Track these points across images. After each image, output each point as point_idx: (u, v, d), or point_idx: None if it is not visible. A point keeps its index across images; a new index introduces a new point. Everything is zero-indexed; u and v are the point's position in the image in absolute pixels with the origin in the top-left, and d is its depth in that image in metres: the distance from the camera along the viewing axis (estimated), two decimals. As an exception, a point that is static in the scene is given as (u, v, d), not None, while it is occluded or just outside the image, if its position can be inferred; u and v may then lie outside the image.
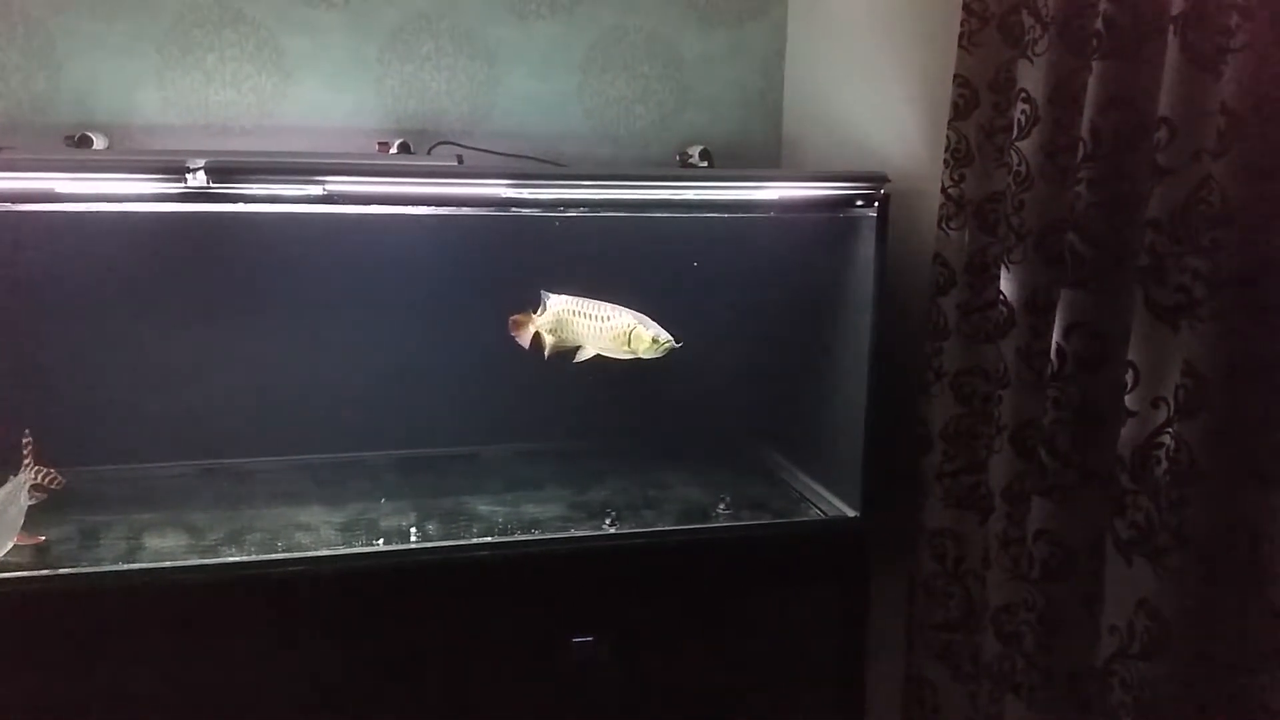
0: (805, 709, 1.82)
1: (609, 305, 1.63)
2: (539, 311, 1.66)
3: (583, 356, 1.65)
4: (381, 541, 1.62)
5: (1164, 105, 1.18)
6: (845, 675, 1.80)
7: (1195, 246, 1.15)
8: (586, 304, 1.63)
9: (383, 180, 1.49)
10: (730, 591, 1.72)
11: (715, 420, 2.09)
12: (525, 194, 1.58)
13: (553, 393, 1.98)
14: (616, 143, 2.21)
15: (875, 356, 1.71)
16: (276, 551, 1.57)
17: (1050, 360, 1.36)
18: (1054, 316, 1.41)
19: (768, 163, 2.27)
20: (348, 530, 1.66)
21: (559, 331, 1.65)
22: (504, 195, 1.57)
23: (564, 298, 1.64)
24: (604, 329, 1.62)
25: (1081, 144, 1.30)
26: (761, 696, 1.79)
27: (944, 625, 1.69)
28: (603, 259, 1.86)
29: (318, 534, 1.64)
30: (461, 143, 2.08)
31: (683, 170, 2.04)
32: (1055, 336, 1.35)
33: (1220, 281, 1.12)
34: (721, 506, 1.79)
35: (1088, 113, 1.29)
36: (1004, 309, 1.50)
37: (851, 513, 1.77)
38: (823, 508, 1.81)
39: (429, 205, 1.62)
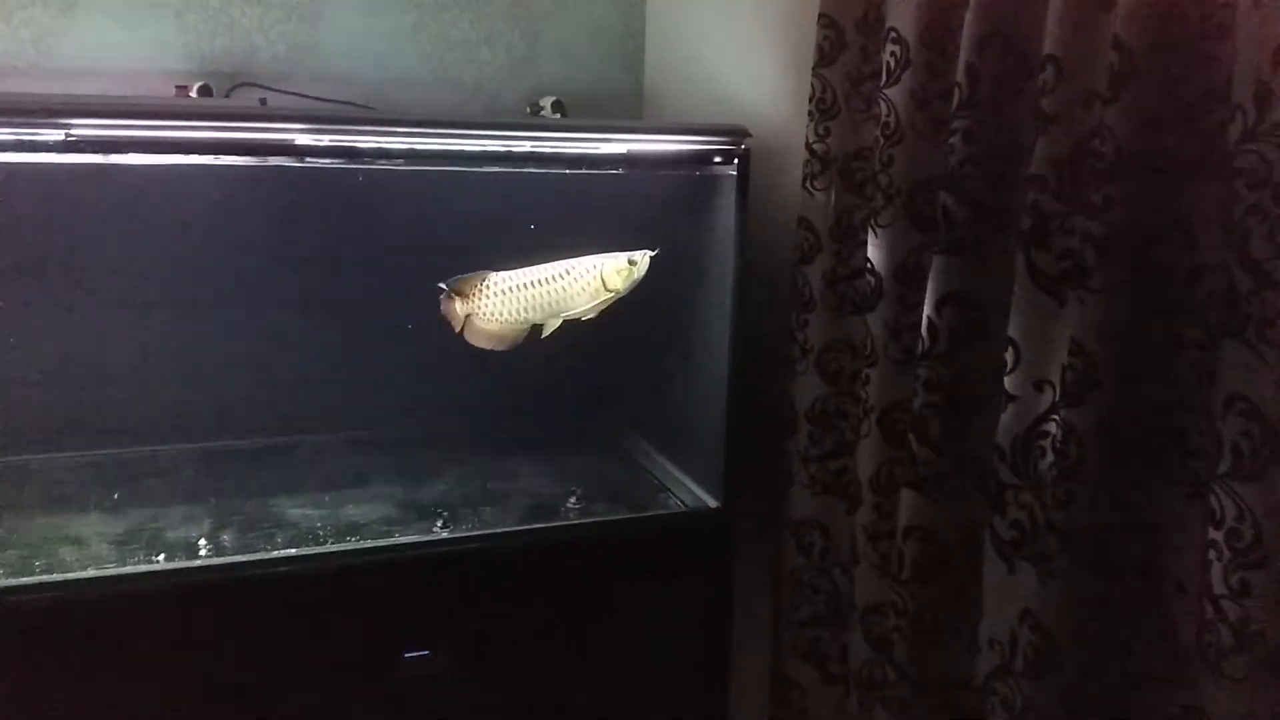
0: (667, 712, 1.64)
1: (553, 262, 1.38)
2: (476, 296, 1.37)
3: (550, 330, 1.39)
4: (163, 557, 1.35)
5: (1049, 42, 1.00)
6: (708, 677, 1.61)
7: (1084, 205, 0.97)
8: (534, 271, 1.37)
9: (135, 124, 1.20)
10: (581, 593, 1.52)
11: (568, 401, 1.86)
12: (328, 142, 1.31)
13: (383, 374, 1.73)
14: (460, 90, 1.95)
15: (736, 330, 1.51)
16: (31, 574, 1.29)
17: (921, 336, 1.18)
18: (925, 286, 1.24)
19: (628, 116, 2.05)
20: (125, 544, 1.38)
21: (507, 314, 1.38)
22: (301, 143, 1.30)
23: (506, 273, 1.37)
24: (568, 287, 1.36)
25: (956, 89, 1.12)
26: (620, 701, 1.59)
27: (811, 621, 1.52)
28: (427, 220, 1.61)
29: (87, 549, 1.36)
30: (273, 86, 1.79)
31: (515, 119, 1.79)
32: (926, 309, 1.17)
33: (1112, 246, 0.95)
34: (572, 500, 1.57)
35: (964, 54, 1.10)
36: (871, 278, 1.32)
37: (714, 502, 1.58)
38: (683, 497, 1.62)
39: (213, 153, 1.33)
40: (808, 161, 1.44)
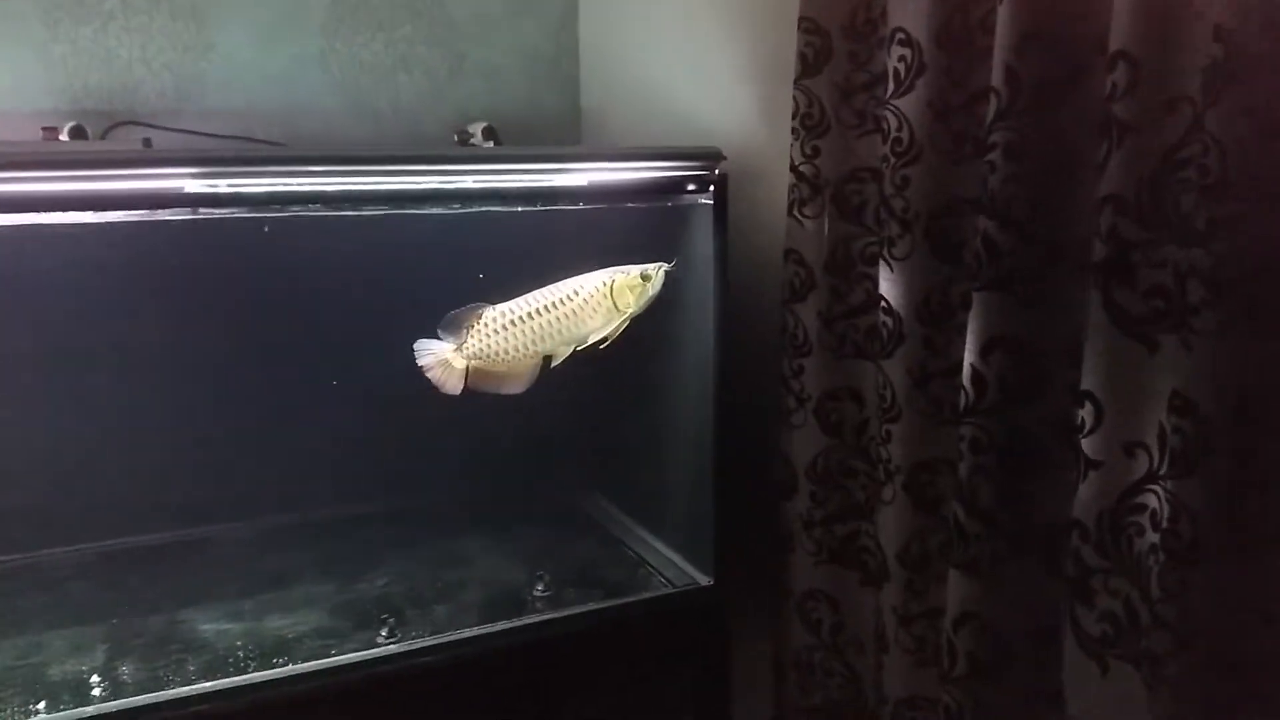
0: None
1: (556, 284, 1.18)
2: (475, 337, 1.15)
3: (559, 359, 1.18)
4: (43, 706, 1.08)
5: (1119, 36, 0.82)
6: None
7: (1181, 231, 0.80)
8: (537, 298, 1.17)
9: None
10: (557, 698, 1.29)
11: (529, 468, 1.63)
12: (226, 187, 1.07)
13: (305, 447, 1.48)
14: (377, 120, 1.73)
15: (721, 378, 1.31)
16: None
17: (963, 388, 0.99)
18: (955, 327, 1.05)
19: (565, 142, 1.84)
20: (-8, 692, 1.10)
21: (515, 350, 1.17)
22: (192, 190, 1.05)
23: (504, 306, 1.16)
24: (578, 310, 1.16)
25: (993, 96, 0.93)
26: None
27: (824, 709, 1.32)
28: (350, 270, 1.38)
29: (-58, 705, 1.08)
30: (159, 124, 1.54)
31: (455, 151, 1.56)
32: (969, 357, 0.98)
33: (1221, 279, 0.77)
34: (540, 588, 1.34)
35: (999, 54, 0.92)
36: (887, 319, 1.13)
37: (704, 579, 1.37)
38: (668, 574, 1.40)
39: (86, 208, 1.07)
40: (794, 186, 1.25)
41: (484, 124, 1.71)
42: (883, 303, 1.13)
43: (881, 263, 1.13)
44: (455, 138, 1.68)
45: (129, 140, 1.49)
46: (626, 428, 1.57)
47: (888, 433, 1.13)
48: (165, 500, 1.45)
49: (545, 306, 1.16)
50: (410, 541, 1.50)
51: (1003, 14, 0.92)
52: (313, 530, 1.53)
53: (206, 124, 1.58)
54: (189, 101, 1.60)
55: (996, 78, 0.93)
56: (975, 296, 0.97)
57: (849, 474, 1.27)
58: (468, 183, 1.19)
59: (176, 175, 1.04)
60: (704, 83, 1.51)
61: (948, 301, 1.06)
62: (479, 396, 1.18)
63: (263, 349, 1.45)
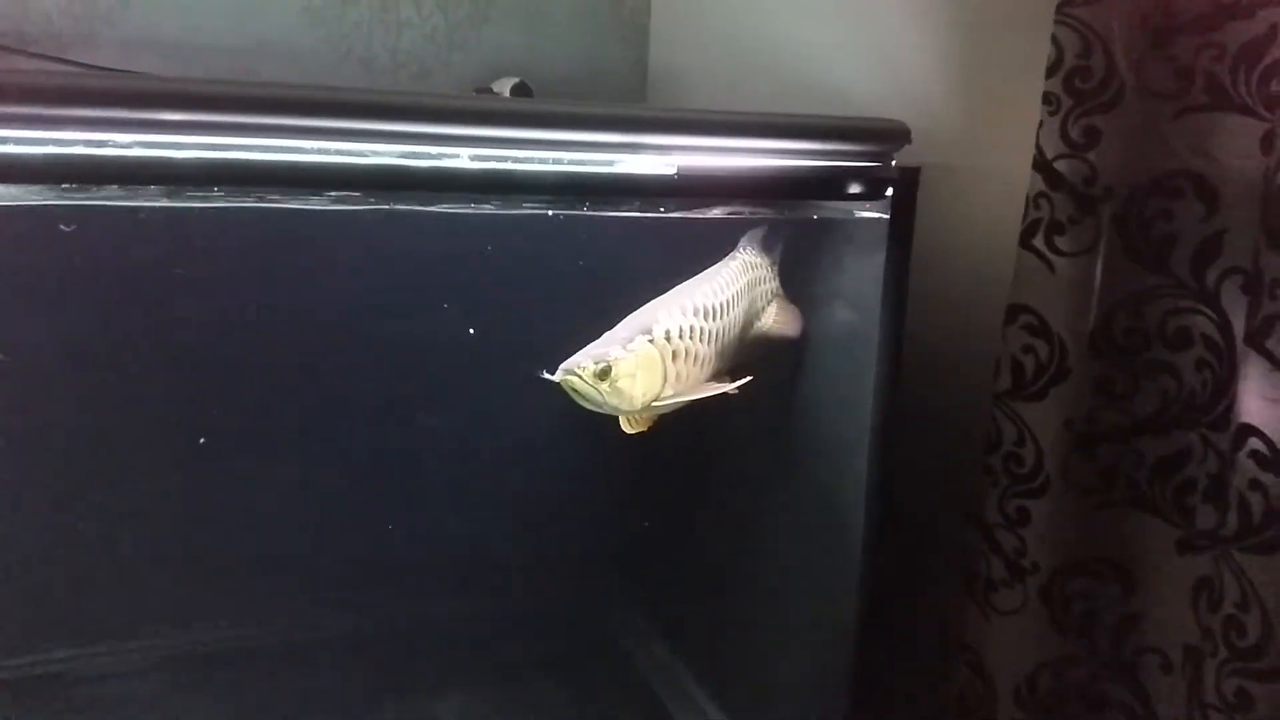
0: None
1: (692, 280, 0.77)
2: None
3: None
4: None
5: None
6: None
7: None
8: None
9: None
10: None
11: (552, 592, 1.07)
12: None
13: (210, 550, 0.95)
14: (369, 69, 1.25)
15: (877, 519, 0.76)
16: None
17: None
18: None
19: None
20: None
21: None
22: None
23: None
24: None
25: None
26: None
27: None
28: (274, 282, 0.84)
29: None
30: (61, 55, 1.06)
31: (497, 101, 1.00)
32: None
33: None
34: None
35: None
36: (1252, 464, 0.57)
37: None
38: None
39: None
40: (1040, 197, 0.69)
41: (514, 80, 1.22)
42: (1252, 432, 0.56)
43: (1251, 353, 0.57)
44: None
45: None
46: (705, 547, 1.02)
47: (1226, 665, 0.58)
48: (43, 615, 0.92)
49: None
50: (381, 697, 0.96)
51: None
52: (224, 664, 0.99)
53: (128, 58, 1.08)
54: (108, 27, 1.09)
55: None
56: None
57: (1100, 706, 0.71)
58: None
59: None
60: (840, 29, 0.95)
61: None
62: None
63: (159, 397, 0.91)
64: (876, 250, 0.73)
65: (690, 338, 0.72)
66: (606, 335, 0.71)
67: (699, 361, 0.73)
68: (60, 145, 0.59)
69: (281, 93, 0.58)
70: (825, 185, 0.72)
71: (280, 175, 0.58)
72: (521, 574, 1.04)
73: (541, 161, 0.66)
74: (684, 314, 0.72)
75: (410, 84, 1.24)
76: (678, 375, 0.71)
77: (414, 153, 0.63)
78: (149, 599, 0.91)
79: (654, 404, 0.71)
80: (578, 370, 0.67)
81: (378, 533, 0.93)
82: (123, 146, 0.59)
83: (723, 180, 0.67)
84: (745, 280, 0.78)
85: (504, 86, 1.19)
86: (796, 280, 0.83)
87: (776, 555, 0.88)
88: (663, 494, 1.00)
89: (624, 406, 0.70)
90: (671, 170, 0.66)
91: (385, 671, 0.98)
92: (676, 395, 0.72)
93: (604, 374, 0.67)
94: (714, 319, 0.74)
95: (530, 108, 0.69)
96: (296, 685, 0.94)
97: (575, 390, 0.68)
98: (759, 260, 0.81)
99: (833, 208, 0.77)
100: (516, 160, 0.66)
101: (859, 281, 0.75)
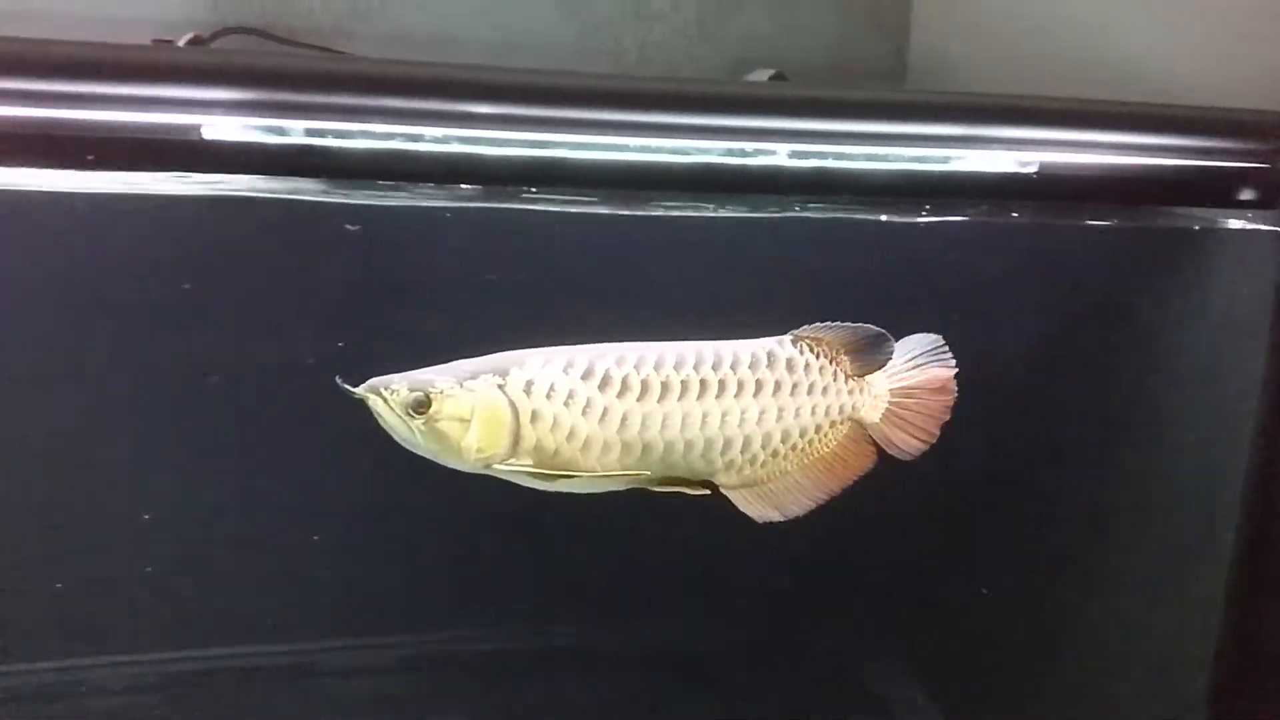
0: None
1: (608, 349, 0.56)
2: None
3: None
4: None
5: None
6: None
7: None
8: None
9: None
10: None
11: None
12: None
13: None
14: (618, 62, 1.22)
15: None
16: None
17: None
18: None
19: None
20: None
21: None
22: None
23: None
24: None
25: None
26: None
27: None
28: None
29: None
30: (331, 46, 1.08)
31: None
32: None
33: None
34: None
35: None
36: None
37: None
38: None
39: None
40: None
41: (769, 72, 1.14)
42: None
43: None
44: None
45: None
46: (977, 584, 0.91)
47: None
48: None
49: None
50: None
51: None
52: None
53: (381, 52, 1.12)
54: (366, 18, 1.10)
55: None
56: None
57: None
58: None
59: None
60: (1161, 4, 0.81)
61: None
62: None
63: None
64: (1259, 267, 0.61)
65: (566, 404, 0.53)
66: (450, 364, 0.54)
67: (580, 441, 0.53)
68: (373, 139, 0.56)
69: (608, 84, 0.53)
70: (1201, 186, 0.60)
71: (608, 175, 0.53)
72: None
73: (869, 159, 0.59)
74: (564, 370, 0.53)
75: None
76: (537, 445, 0.53)
77: (734, 149, 0.57)
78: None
79: (500, 468, 0.53)
80: (385, 392, 0.51)
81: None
82: (437, 141, 0.56)
83: (1089, 181, 0.57)
84: (740, 377, 0.55)
85: (759, 78, 1.13)
86: (1128, 297, 0.71)
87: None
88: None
89: (447, 458, 0.53)
90: (1031, 169, 0.56)
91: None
92: (543, 469, 0.53)
93: (419, 406, 0.51)
94: (622, 395, 0.54)
95: (864, 97, 0.61)
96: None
97: (381, 416, 0.52)
98: (811, 361, 0.56)
99: (1189, 215, 0.65)
100: (838, 158, 0.59)
101: (1229, 303, 0.63)
